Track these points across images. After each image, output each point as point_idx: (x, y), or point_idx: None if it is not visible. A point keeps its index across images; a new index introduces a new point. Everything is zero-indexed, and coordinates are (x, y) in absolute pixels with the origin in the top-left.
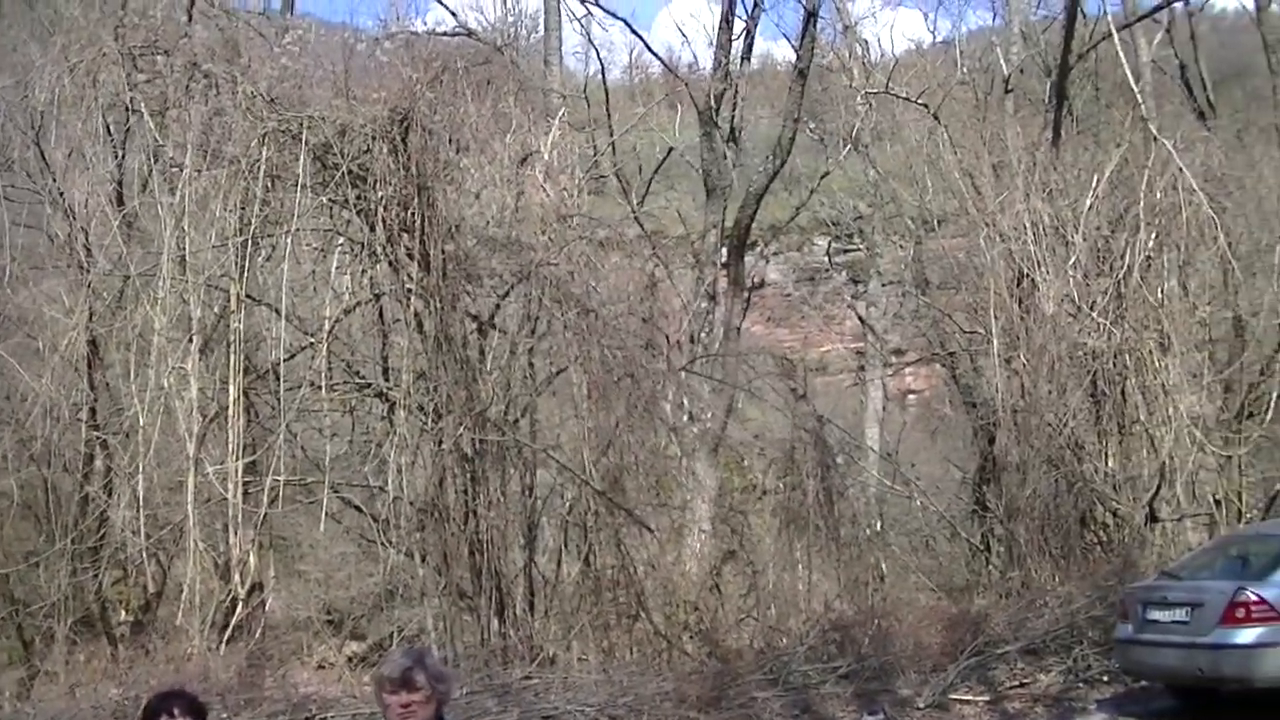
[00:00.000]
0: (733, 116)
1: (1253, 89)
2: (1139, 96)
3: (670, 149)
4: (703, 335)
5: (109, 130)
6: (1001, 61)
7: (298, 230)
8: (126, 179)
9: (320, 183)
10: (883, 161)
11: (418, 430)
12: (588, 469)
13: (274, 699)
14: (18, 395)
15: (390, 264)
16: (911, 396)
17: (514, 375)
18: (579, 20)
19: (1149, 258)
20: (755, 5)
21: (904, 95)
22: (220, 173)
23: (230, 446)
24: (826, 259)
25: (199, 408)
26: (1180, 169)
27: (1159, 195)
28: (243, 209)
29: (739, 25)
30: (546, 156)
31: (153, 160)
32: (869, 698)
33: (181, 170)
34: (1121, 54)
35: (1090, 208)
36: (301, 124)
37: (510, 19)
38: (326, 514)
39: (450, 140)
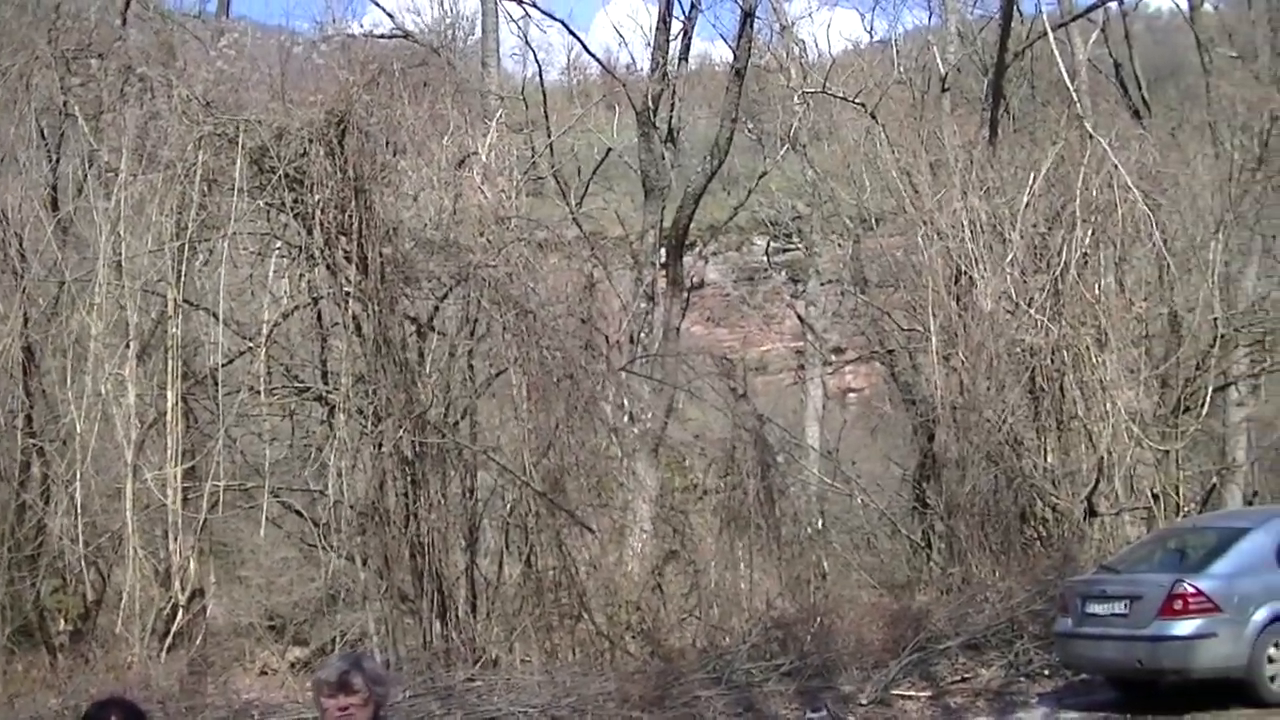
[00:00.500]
0: (670, 117)
1: (1186, 87)
2: (1075, 95)
3: (608, 150)
4: (642, 336)
5: (43, 134)
6: (938, 61)
7: (235, 234)
8: (61, 184)
9: (257, 186)
10: (820, 161)
11: (357, 434)
12: (528, 470)
13: (216, 706)
14: None
15: (328, 267)
16: (851, 395)
17: (453, 377)
18: (516, 22)
19: (1085, 255)
20: (692, 6)
21: (841, 95)
22: (156, 177)
23: (169, 452)
24: (765, 259)
25: (137, 414)
26: (1115, 166)
27: (1095, 193)
28: (179, 213)
29: (676, 26)
30: (484, 158)
31: (87, 165)
32: (812, 695)
33: (117, 175)
34: (1057, 53)
35: (1027, 205)
36: (238, 127)
37: (447, 21)
38: (267, 519)
39: (387, 143)
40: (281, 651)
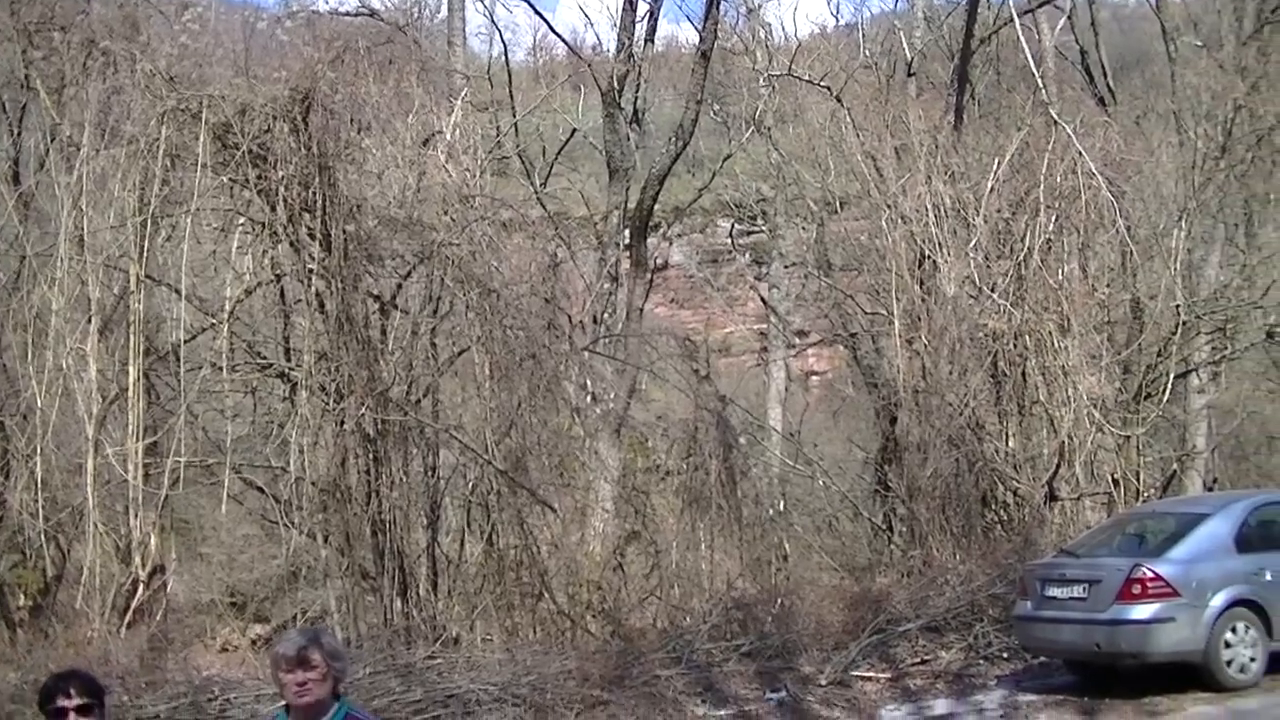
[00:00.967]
0: (636, 98)
1: (1152, 76)
2: (1040, 81)
3: (573, 130)
4: (605, 316)
5: (4, 108)
6: (904, 45)
7: (198, 210)
8: (23, 158)
9: (221, 162)
10: (786, 144)
11: (319, 411)
12: (490, 449)
13: (175, 682)
14: None
15: (291, 244)
16: (814, 377)
17: (416, 355)
18: (483, 1)
19: (1049, 240)
20: None
21: (807, 78)
22: (119, 152)
23: (130, 428)
24: (729, 241)
25: (98, 389)
26: (1080, 153)
27: (1059, 179)
28: (142, 188)
29: (642, 7)
30: (449, 137)
31: (49, 139)
32: (771, 675)
33: (79, 149)
34: (1023, 39)
35: (991, 191)
36: (201, 103)
37: None
38: (228, 495)
39: (352, 120)
40: (243, 628)
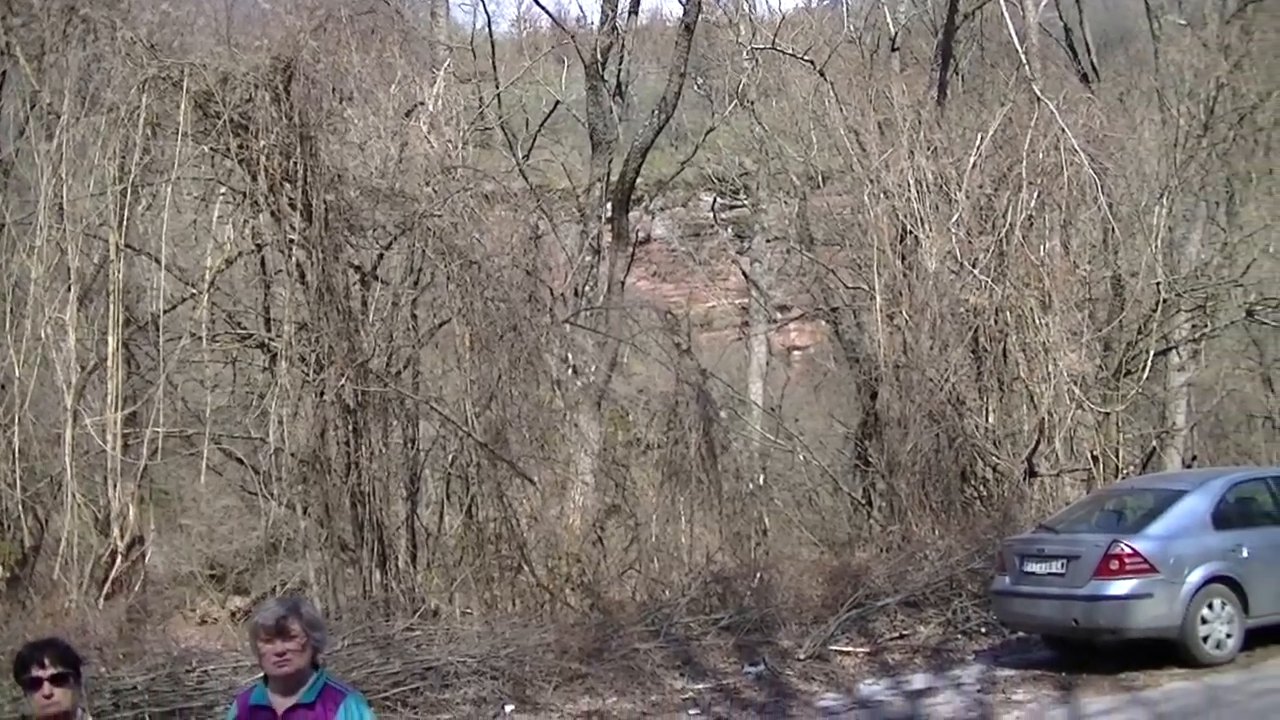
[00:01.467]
0: (619, 71)
1: (1135, 53)
2: (1024, 58)
3: (556, 103)
4: (587, 289)
5: None
6: (888, 20)
7: (178, 179)
8: (2, 125)
9: (202, 131)
10: (769, 118)
11: (299, 381)
12: (470, 421)
13: (154, 653)
14: None
15: (272, 214)
16: (795, 352)
17: (396, 327)
18: None
19: (1031, 217)
20: None
21: (790, 52)
22: (99, 120)
23: (109, 398)
24: (712, 215)
25: (77, 359)
26: (1063, 130)
27: (1041, 155)
28: (122, 157)
29: None
30: (431, 108)
31: (29, 106)
32: (750, 649)
33: (59, 117)
34: (1007, 15)
35: (974, 166)
36: (183, 71)
37: None
38: (208, 466)
39: (334, 90)
40: (222, 600)
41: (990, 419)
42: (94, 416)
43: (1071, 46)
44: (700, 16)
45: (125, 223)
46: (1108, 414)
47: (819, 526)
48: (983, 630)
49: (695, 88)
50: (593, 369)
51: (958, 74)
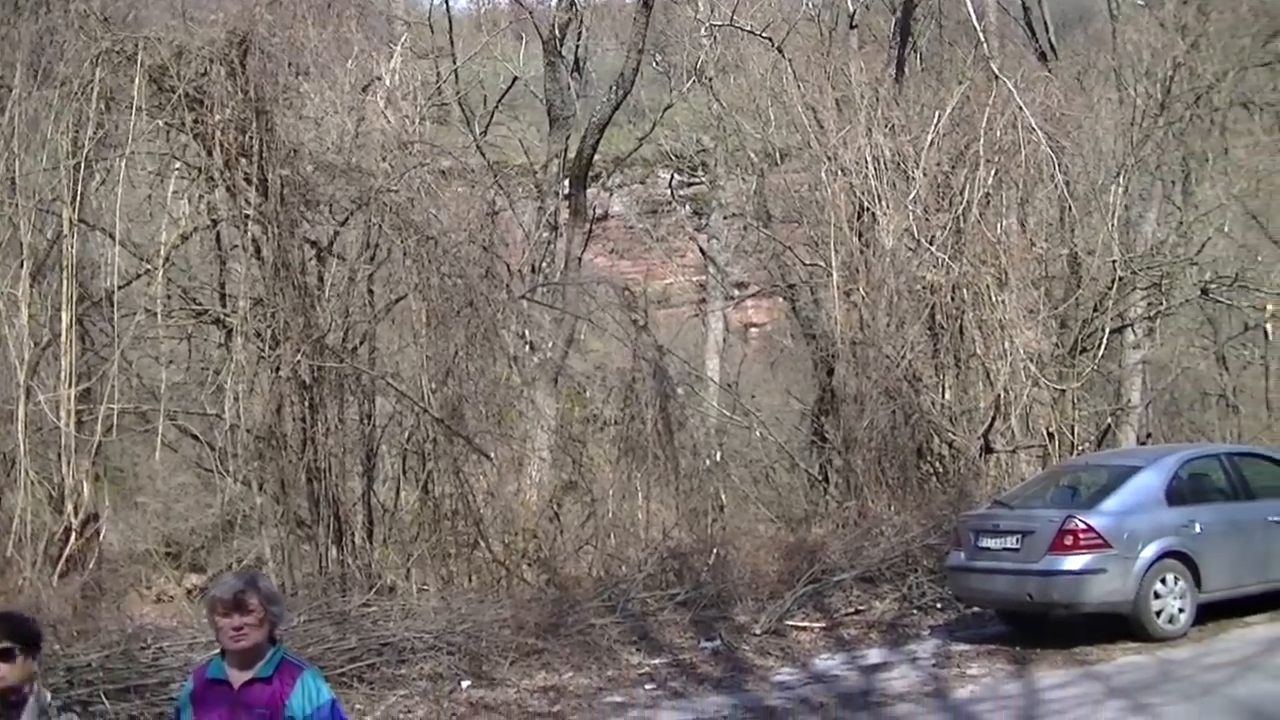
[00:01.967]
0: (577, 47)
1: (1094, 32)
2: (982, 36)
3: (514, 79)
4: (544, 265)
5: None
6: None
7: (133, 154)
8: None
9: (156, 106)
10: (727, 95)
11: (255, 357)
12: (427, 397)
13: (109, 631)
14: None
15: (228, 189)
16: (753, 329)
17: (353, 302)
18: None
19: (988, 194)
20: None
21: (749, 29)
22: (52, 93)
23: (63, 374)
24: (669, 191)
25: (30, 335)
26: (1020, 108)
27: (999, 133)
28: (76, 131)
29: None
30: (388, 83)
31: None
32: (706, 625)
33: (11, 90)
34: None
35: (931, 144)
36: (137, 45)
37: None
38: (163, 443)
39: (290, 64)
40: (178, 578)
41: (946, 396)
42: (48, 393)
43: (1030, 25)
44: None
45: (79, 198)
46: (1063, 391)
47: (775, 502)
48: (938, 605)
49: (653, 64)
50: (550, 345)
51: (916, 52)
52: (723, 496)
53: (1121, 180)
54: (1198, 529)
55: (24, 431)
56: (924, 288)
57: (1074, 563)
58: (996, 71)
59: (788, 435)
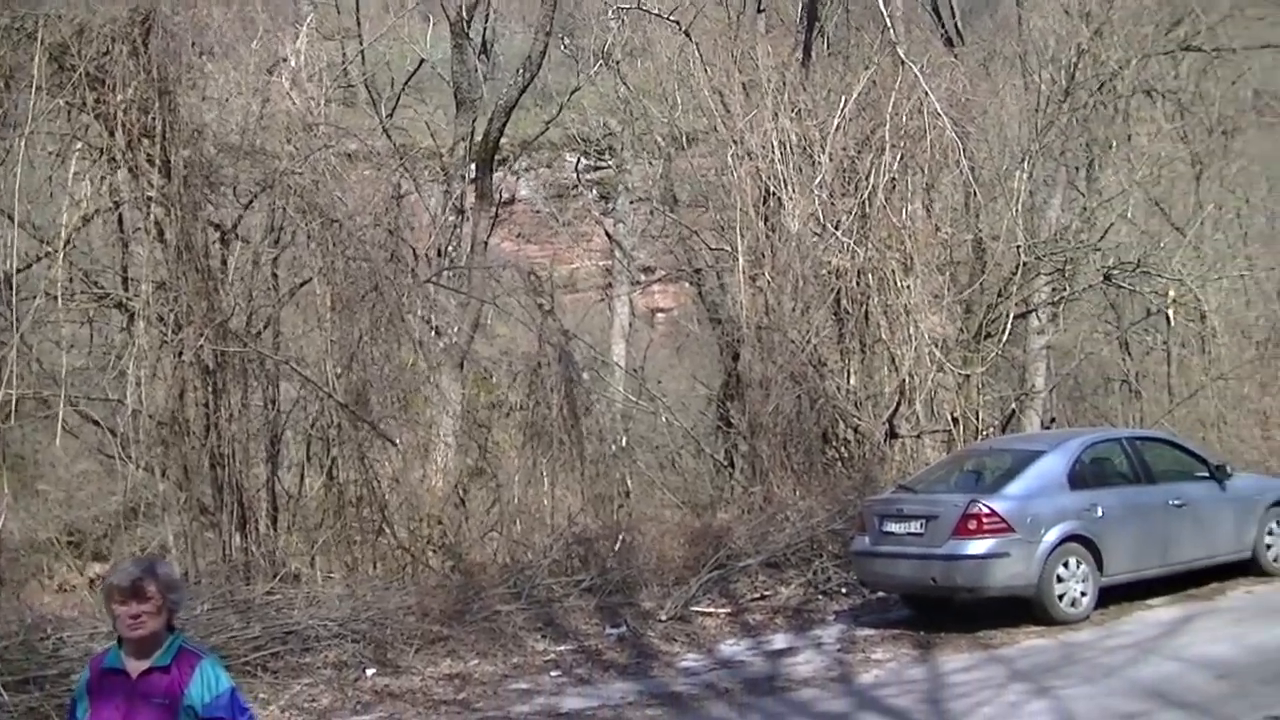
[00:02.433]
0: (485, 29)
1: (1000, 19)
2: (889, 21)
3: (421, 61)
4: (450, 249)
5: None
6: None
7: (33, 134)
8: None
9: (57, 85)
10: (634, 79)
11: (158, 342)
12: (331, 382)
13: (8, 621)
14: None
15: (130, 170)
16: (659, 314)
17: (256, 286)
18: None
19: (894, 180)
20: None
21: (656, 12)
22: None
23: None
24: (576, 176)
25: None
26: (926, 93)
27: (905, 119)
28: None
29: None
30: (294, 64)
31: None
32: (612, 611)
33: None
34: None
35: (837, 129)
36: (37, 22)
37: None
38: (64, 429)
39: (194, 44)
40: (80, 567)
41: (852, 380)
42: None
43: (936, 10)
44: None
45: None
46: (968, 376)
47: (681, 488)
48: (843, 590)
49: (561, 47)
50: (455, 330)
51: (823, 36)
52: (628, 482)
53: (1026, 166)
54: (1100, 513)
55: None
56: (829, 272)
57: (978, 547)
58: (903, 57)
59: (694, 420)
